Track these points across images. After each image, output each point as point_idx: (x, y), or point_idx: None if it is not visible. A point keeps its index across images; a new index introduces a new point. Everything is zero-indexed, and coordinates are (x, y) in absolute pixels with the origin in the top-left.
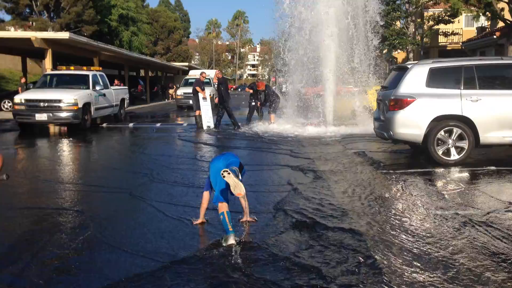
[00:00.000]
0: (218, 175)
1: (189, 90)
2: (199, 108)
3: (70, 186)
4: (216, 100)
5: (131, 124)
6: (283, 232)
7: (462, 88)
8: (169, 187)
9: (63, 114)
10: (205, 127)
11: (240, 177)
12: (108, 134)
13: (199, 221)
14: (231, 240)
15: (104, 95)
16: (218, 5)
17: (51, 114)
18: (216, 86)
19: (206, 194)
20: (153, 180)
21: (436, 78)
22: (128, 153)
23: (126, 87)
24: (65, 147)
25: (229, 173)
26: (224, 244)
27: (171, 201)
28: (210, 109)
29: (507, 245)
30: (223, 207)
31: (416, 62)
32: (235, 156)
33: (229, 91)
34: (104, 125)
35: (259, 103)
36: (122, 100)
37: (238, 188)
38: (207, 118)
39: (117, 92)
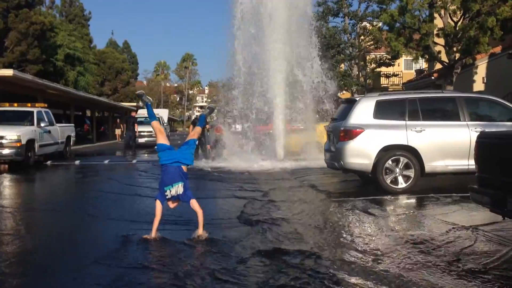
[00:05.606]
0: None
1: (139, 129)
2: None
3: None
4: None
5: (77, 162)
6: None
7: (407, 119)
8: None
9: (5, 151)
10: None
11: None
12: (51, 172)
13: (153, 235)
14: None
15: (49, 132)
16: (167, 48)
17: None
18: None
19: (159, 204)
20: None
21: (382, 110)
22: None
23: (73, 124)
24: (6, 184)
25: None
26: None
27: None
28: None
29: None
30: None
31: (363, 95)
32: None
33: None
34: (49, 162)
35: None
36: (68, 137)
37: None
38: None
39: (63, 130)
